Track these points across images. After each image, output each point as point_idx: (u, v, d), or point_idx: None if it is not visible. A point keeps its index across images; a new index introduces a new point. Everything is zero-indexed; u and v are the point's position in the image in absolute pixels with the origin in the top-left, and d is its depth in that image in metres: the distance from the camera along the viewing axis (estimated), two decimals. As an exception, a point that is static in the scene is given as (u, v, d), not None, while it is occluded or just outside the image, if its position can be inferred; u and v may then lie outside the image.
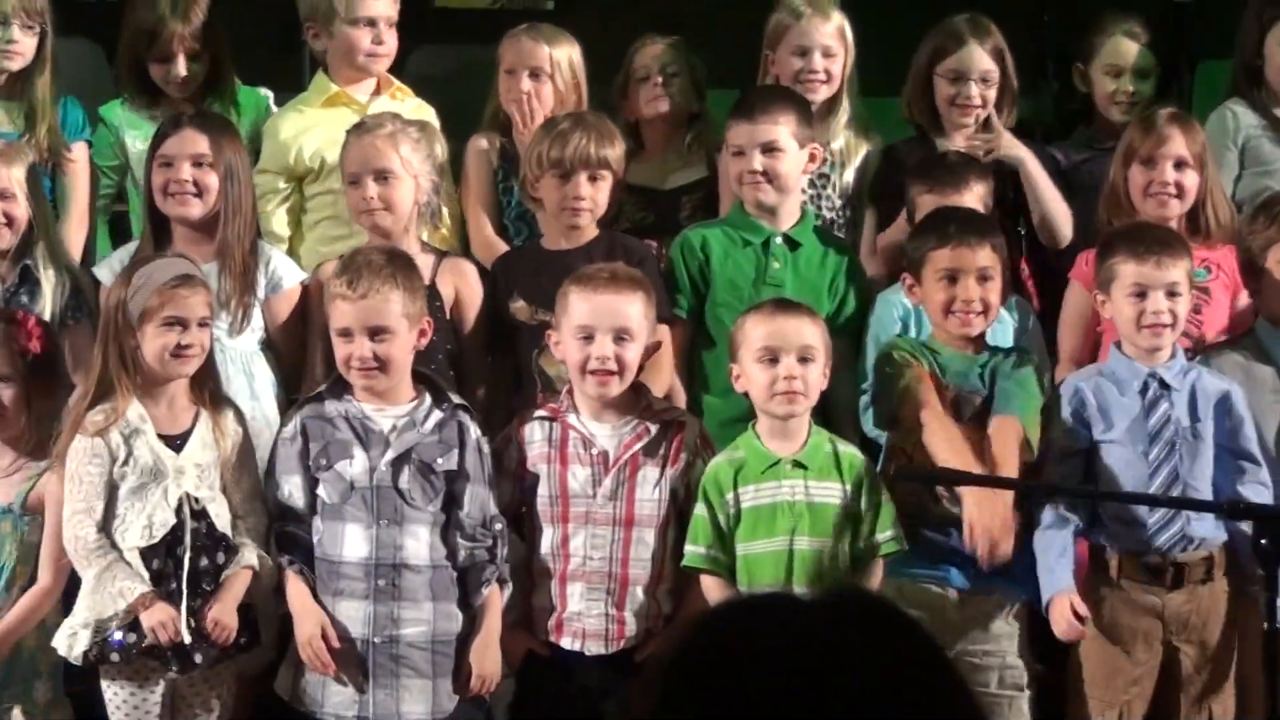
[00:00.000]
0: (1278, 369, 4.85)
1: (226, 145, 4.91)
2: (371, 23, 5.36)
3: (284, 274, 4.98)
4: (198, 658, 4.42)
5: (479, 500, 4.51)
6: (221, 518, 4.48)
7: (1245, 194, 5.39)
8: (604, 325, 4.53)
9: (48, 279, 4.93)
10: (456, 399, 4.62)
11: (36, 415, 4.63)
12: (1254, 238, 4.91)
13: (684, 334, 5.01)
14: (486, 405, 4.89)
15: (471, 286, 4.99)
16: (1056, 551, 4.57)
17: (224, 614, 4.41)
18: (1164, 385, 4.67)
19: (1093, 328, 5.02)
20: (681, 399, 4.92)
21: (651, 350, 4.64)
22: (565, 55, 5.34)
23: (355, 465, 4.47)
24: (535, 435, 4.61)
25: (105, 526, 4.41)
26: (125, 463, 4.43)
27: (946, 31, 5.40)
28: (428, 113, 5.37)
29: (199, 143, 4.88)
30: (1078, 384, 4.73)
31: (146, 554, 4.40)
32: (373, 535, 4.45)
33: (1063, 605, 4.51)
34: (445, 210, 5.18)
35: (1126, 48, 5.70)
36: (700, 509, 4.50)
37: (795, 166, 5.02)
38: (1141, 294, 4.66)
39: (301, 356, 4.98)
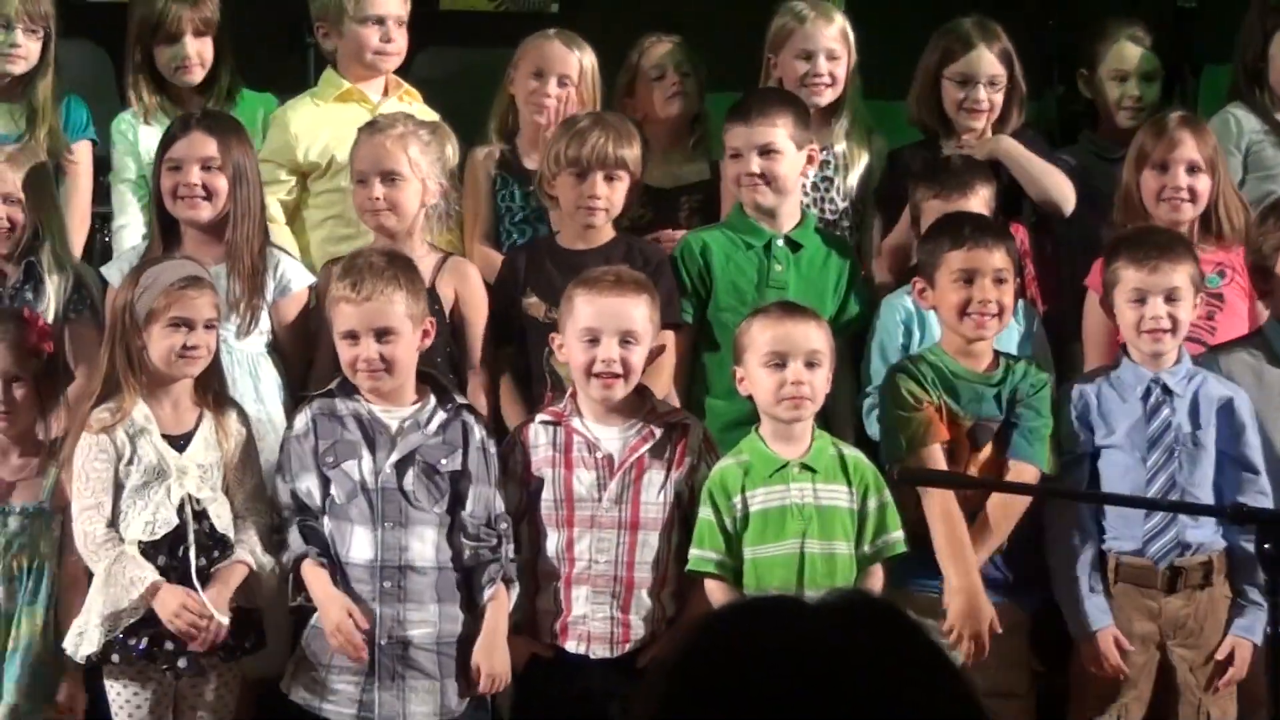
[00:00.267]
0: (1288, 370, 4.86)
1: (235, 147, 4.91)
2: (380, 21, 5.38)
3: (293, 277, 4.98)
4: (200, 659, 4.43)
5: (483, 499, 4.51)
6: (222, 519, 4.49)
7: (1249, 199, 5.38)
8: (610, 328, 4.53)
9: (52, 279, 4.93)
10: (461, 399, 4.63)
11: (44, 414, 4.65)
12: (1265, 240, 4.90)
13: (687, 340, 5.01)
14: (490, 405, 4.89)
15: (473, 288, 4.99)
16: (1086, 577, 4.61)
17: (216, 602, 4.41)
18: (1167, 391, 4.67)
19: (1115, 335, 5.00)
20: (676, 405, 4.90)
21: (655, 354, 4.65)
22: (590, 62, 5.35)
23: (362, 466, 4.48)
24: (539, 439, 4.60)
25: (114, 523, 4.42)
26: (130, 461, 4.44)
27: (954, 35, 5.39)
28: (431, 118, 5.37)
29: (207, 145, 4.87)
30: (1083, 388, 4.73)
31: (149, 551, 4.41)
32: (378, 538, 4.45)
33: (1107, 642, 4.58)
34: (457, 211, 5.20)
35: (1132, 52, 5.71)
36: (706, 512, 4.50)
37: (793, 168, 5.02)
38: (1141, 299, 4.67)
39: (308, 360, 4.98)
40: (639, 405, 4.61)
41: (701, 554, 4.50)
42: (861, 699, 1.64)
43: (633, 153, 4.96)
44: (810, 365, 4.49)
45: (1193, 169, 5.09)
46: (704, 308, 5.03)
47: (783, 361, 4.49)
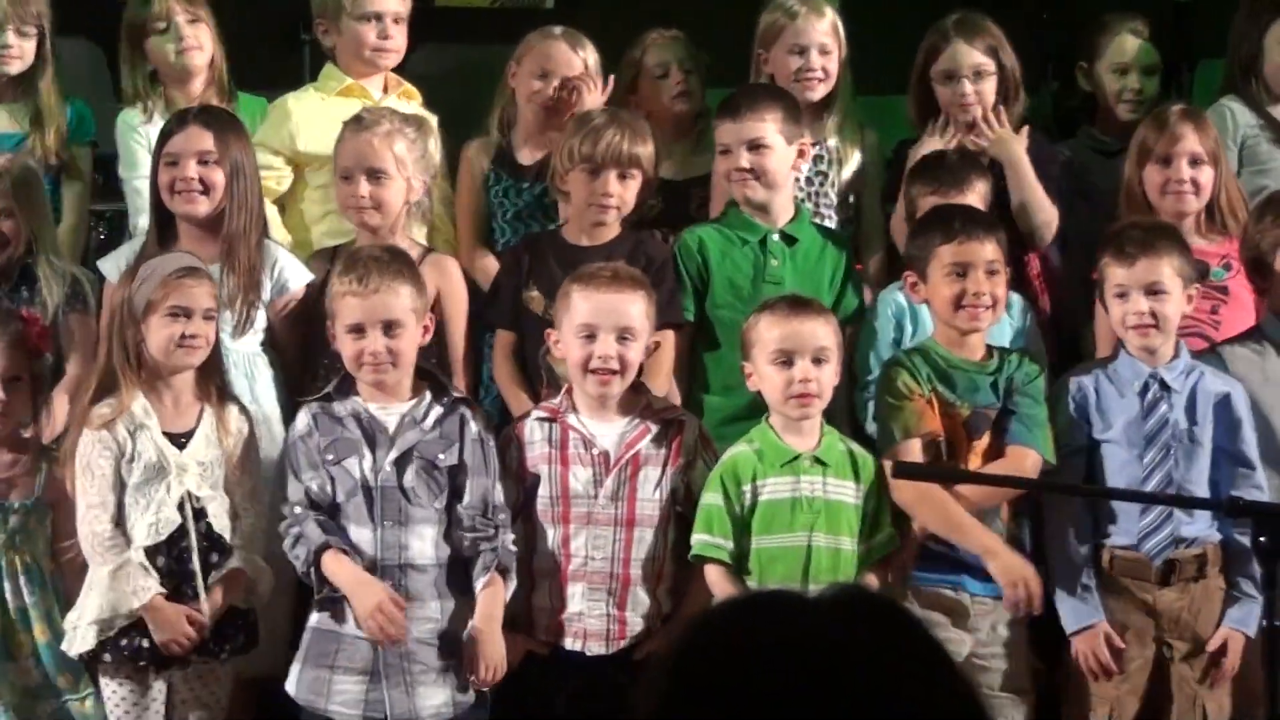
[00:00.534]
0: (1288, 363, 4.86)
1: (232, 142, 4.90)
2: (378, 17, 5.38)
3: (290, 275, 4.97)
4: (191, 656, 4.43)
5: (480, 490, 4.50)
6: (219, 518, 4.49)
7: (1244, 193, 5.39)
8: (607, 324, 4.53)
9: (48, 285, 4.91)
10: (457, 392, 4.63)
11: (36, 412, 4.65)
12: (1262, 236, 4.90)
13: (687, 337, 5.01)
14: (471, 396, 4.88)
15: (454, 284, 4.99)
16: (1081, 572, 4.60)
17: (212, 612, 4.42)
18: (1165, 387, 4.67)
19: None
20: (677, 403, 4.89)
21: (650, 351, 4.65)
22: (593, 59, 5.35)
23: (362, 464, 4.47)
24: (535, 435, 4.60)
25: (120, 522, 4.42)
26: (131, 459, 4.44)
27: (937, 33, 5.40)
28: (417, 113, 5.35)
29: (204, 140, 4.87)
30: (1080, 380, 4.73)
31: (151, 552, 4.41)
32: (378, 537, 4.45)
33: (1099, 637, 4.57)
34: (441, 208, 5.19)
35: (1132, 45, 5.72)
36: (714, 498, 4.48)
37: (783, 163, 5.02)
38: (1124, 294, 4.67)
39: (304, 358, 4.97)
40: (635, 401, 4.61)
41: (710, 539, 4.47)
42: (861, 694, 1.65)
43: (646, 151, 4.96)
44: (818, 362, 4.49)
45: (1195, 161, 5.10)
46: (703, 303, 5.03)
47: (790, 359, 4.49)
